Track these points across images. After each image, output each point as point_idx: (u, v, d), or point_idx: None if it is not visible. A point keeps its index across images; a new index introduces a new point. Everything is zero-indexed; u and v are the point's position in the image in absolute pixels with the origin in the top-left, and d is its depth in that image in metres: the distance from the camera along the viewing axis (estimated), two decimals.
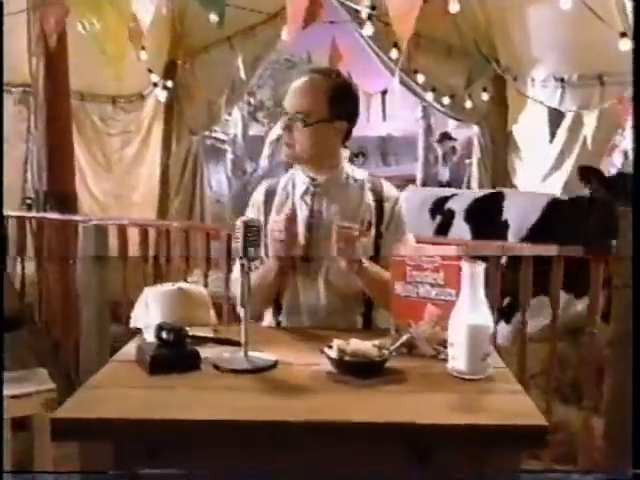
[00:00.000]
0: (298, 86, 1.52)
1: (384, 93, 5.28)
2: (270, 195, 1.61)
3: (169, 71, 5.07)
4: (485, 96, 5.22)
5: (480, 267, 1.23)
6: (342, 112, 1.53)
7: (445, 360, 1.26)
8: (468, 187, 5.64)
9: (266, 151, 8.78)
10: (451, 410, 1.10)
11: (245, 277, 1.28)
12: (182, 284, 1.51)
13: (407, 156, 9.45)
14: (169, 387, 1.16)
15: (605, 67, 4.36)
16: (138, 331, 1.46)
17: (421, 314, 1.34)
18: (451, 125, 7.74)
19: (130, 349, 1.35)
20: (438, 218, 3.85)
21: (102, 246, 2.56)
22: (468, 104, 5.23)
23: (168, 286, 1.47)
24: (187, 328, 1.30)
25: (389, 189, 1.61)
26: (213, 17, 2.87)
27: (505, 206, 3.59)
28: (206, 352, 1.29)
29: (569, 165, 4.69)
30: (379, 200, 1.57)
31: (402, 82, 5.05)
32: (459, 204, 3.83)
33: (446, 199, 3.94)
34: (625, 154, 4.39)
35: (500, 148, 5.36)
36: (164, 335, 1.26)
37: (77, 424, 1.04)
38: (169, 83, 4.97)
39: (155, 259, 2.94)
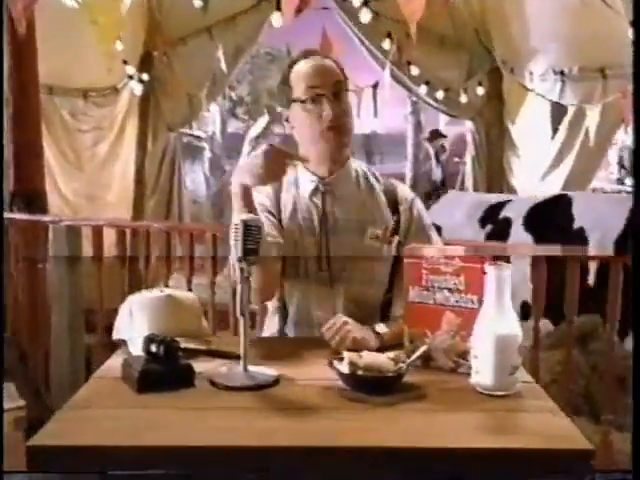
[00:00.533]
0: (318, 63, 1.42)
1: (375, 87, 5.12)
2: (277, 192, 1.48)
3: (145, 63, 4.86)
4: (480, 90, 5.06)
5: (507, 270, 1.11)
6: None
7: (466, 374, 1.15)
8: (462, 186, 5.53)
9: (246, 149, 8.57)
10: (482, 432, 0.99)
11: (245, 283, 1.15)
12: (170, 290, 1.37)
13: (392, 155, 9.35)
14: (160, 407, 1.04)
15: (608, 59, 4.17)
16: (120, 343, 1.32)
17: (438, 323, 1.22)
18: (442, 122, 7.61)
19: (114, 364, 1.21)
20: (488, 227, 3.44)
21: (75, 249, 2.40)
22: (463, 99, 5.06)
23: (155, 293, 1.33)
24: (178, 339, 1.17)
25: (403, 190, 1.50)
26: (198, 2, 2.72)
27: (575, 212, 3.12)
28: (200, 366, 1.16)
29: (570, 162, 4.53)
30: (393, 203, 1.45)
31: (393, 76, 4.90)
32: (516, 211, 3.37)
33: (500, 206, 3.51)
34: (621, 150, 4.33)
35: (496, 145, 5.22)
36: (154, 348, 1.14)
37: (59, 452, 0.91)
38: (145, 76, 4.76)
39: (133, 263, 2.77)
